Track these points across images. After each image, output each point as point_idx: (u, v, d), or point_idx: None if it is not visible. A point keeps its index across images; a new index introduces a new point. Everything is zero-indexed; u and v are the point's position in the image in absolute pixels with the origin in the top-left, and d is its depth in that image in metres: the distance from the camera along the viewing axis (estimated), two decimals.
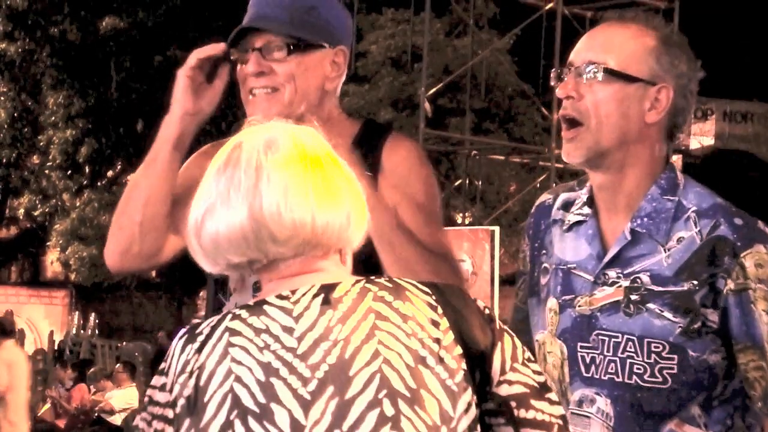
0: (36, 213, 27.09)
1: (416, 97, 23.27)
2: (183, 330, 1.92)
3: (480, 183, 22.52)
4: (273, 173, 1.92)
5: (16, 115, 26.78)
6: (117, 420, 14.50)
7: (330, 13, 2.86)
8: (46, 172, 26.11)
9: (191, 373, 1.84)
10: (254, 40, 2.78)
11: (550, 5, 21.27)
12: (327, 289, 1.91)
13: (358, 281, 1.94)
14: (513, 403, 1.93)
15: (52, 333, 26.73)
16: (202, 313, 11.63)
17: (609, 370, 2.46)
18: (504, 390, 1.93)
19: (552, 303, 2.60)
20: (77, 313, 28.93)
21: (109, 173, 26.27)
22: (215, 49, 2.81)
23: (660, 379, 2.43)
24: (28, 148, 27.15)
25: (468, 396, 1.89)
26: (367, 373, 1.85)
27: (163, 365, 1.89)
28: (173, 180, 2.79)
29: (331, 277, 1.94)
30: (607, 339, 2.48)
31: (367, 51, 29.37)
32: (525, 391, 1.94)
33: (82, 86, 25.39)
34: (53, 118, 25.52)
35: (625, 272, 2.49)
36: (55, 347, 24.91)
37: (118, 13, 24.97)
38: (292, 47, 2.78)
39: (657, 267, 2.46)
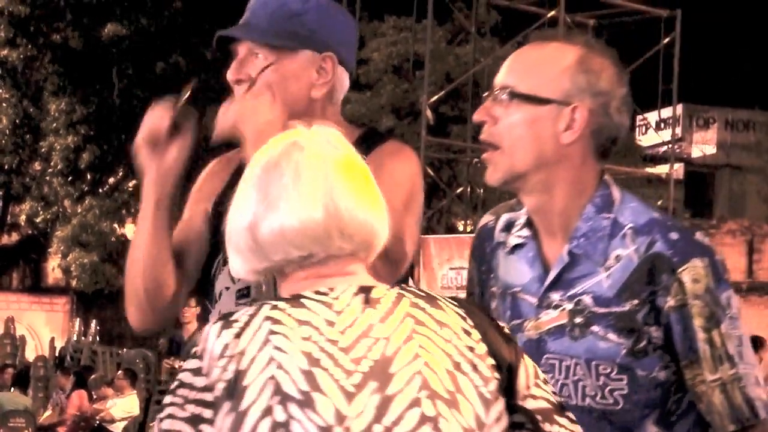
0: (37, 219, 27.10)
1: (418, 105, 23.29)
2: (215, 318, 1.92)
3: (482, 191, 22.53)
4: (341, 173, 1.97)
5: (17, 121, 26.79)
6: (117, 428, 14.49)
7: (317, 19, 2.81)
8: (48, 178, 26.12)
9: (231, 357, 1.83)
10: (237, 48, 2.79)
11: (552, 13, 21.27)
12: (365, 290, 1.95)
13: (392, 288, 1.98)
14: (539, 417, 1.97)
15: (53, 339, 26.72)
16: (193, 324, 11.57)
17: (563, 394, 2.43)
18: (530, 404, 1.97)
19: None
20: (78, 319, 28.90)
21: (111, 180, 26.29)
22: (163, 118, 2.79)
23: (611, 401, 2.42)
24: (29, 155, 27.15)
25: (500, 405, 1.93)
26: (408, 372, 1.87)
27: (195, 349, 1.88)
28: (167, 239, 2.78)
29: (365, 280, 1.98)
30: (557, 363, 2.46)
31: (369, 58, 29.41)
32: (548, 407, 1.99)
33: (83, 93, 25.41)
34: (55, 124, 25.53)
35: (568, 294, 2.47)
36: (56, 354, 24.89)
37: (120, 20, 24.99)
38: (269, 54, 2.76)
39: (598, 288, 2.44)
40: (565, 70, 2.47)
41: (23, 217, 28.25)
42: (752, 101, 39.52)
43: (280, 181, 1.95)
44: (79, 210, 25.61)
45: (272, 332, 1.85)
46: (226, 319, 1.89)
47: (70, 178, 25.61)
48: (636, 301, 2.40)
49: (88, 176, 25.85)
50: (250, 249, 1.96)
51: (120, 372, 16.36)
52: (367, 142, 2.81)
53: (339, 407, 1.82)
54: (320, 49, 2.79)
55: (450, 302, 1.99)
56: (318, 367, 1.84)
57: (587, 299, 2.45)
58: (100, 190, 25.93)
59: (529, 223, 2.57)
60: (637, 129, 34.46)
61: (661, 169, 26.82)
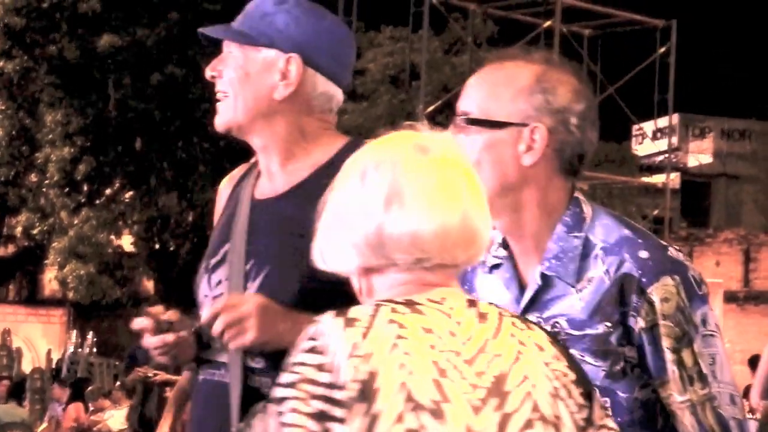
0: (34, 231, 27.07)
1: (415, 115, 23.30)
2: (330, 313, 1.87)
3: None
4: (468, 180, 1.95)
5: (14, 133, 26.78)
6: None
7: (287, 20, 2.80)
8: (44, 190, 26.10)
9: (362, 357, 1.79)
10: (223, 46, 2.83)
11: (548, 23, 21.32)
12: (473, 304, 1.94)
13: (490, 303, 1.98)
14: None
15: (49, 351, 26.68)
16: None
17: None
18: None
19: None
20: (75, 331, 28.86)
21: (108, 191, 26.26)
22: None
23: None
24: (25, 166, 27.14)
25: None
26: (521, 392, 1.86)
27: (311, 343, 1.83)
28: None
29: (466, 294, 1.97)
30: None
31: (366, 69, 29.42)
32: None
33: (80, 104, 25.40)
34: (51, 135, 25.51)
35: (543, 316, 2.44)
36: (53, 366, 24.86)
37: (116, 31, 24.99)
38: (235, 50, 2.78)
39: (571, 310, 2.41)
40: (521, 90, 2.44)
41: (19, 229, 28.22)
42: (748, 111, 39.64)
43: (415, 182, 1.91)
44: (76, 221, 25.58)
45: (400, 336, 1.82)
46: (344, 317, 1.85)
47: (66, 189, 25.59)
48: (609, 324, 2.37)
49: (85, 187, 25.83)
50: (371, 246, 1.92)
51: (117, 383, 16.33)
52: (349, 153, 2.78)
53: (468, 422, 1.81)
54: (286, 50, 2.77)
55: (536, 325, 1.99)
56: (446, 378, 1.82)
57: (563, 322, 2.42)
58: (97, 202, 25.90)
59: (504, 243, 2.55)
60: (633, 139, 34.49)
61: (658, 179, 26.83)
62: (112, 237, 26.20)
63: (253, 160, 2.95)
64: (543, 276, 2.44)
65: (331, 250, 1.97)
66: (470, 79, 2.54)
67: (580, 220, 2.46)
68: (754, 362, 14.35)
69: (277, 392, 1.83)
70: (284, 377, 1.84)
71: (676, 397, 2.37)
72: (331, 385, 1.79)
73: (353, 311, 1.86)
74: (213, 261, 2.81)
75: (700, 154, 39.36)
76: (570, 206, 2.48)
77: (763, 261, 27.13)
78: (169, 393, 8.86)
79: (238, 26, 2.80)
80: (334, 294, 2.67)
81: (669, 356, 2.36)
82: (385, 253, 1.91)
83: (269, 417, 1.86)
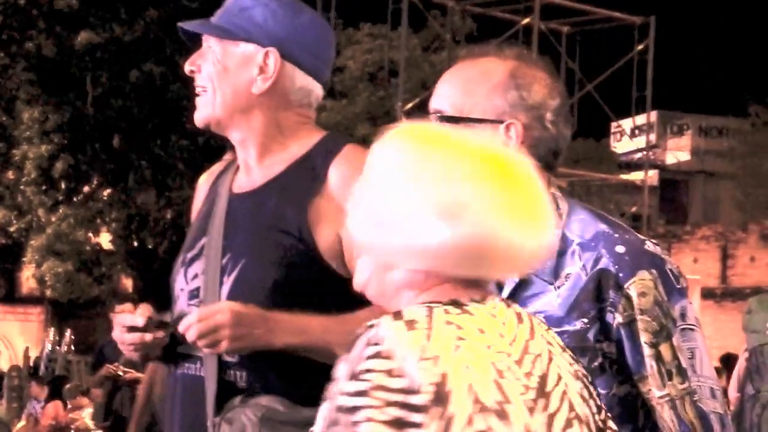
0: (11, 229, 26.97)
1: (393, 112, 23.29)
2: (386, 317, 1.81)
3: None
4: (526, 188, 1.88)
5: None
6: None
7: (265, 14, 2.79)
8: (22, 187, 25.99)
9: (431, 360, 1.76)
10: (203, 40, 2.82)
11: (527, 20, 21.34)
12: (509, 304, 1.91)
13: (514, 304, 1.95)
14: None
15: (27, 349, 26.60)
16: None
17: None
18: None
19: None
20: (53, 329, 28.76)
21: (85, 189, 26.18)
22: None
23: None
24: (2, 164, 27.03)
25: None
26: (558, 393, 1.86)
27: (375, 349, 1.77)
28: None
29: (497, 296, 1.93)
30: None
31: (345, 66, 29.42)
32: None
33: (57, 101, 25.31)
34: (28, 133, 25.42)
35: None
36: (31, 363, 24.77)
37: (94, 28, 24.90)
38: (214, 45, 2.78)
39: (549, 307, 2.40)
40: (496, 87, 2.44)
41: None
42: (726, 108, 39.80)
43: (462, 193, 1.83)
44: (54, 219, 25.50)
45: (459, 338, 1.79)
46: (403, 319, 1.80)
47: (44, 187, 25.50)
48: (586, 320, 2.37)
49: (62, 185, 25.74)
50: (420, 252, 1.84)
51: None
52: (324, 147, 2.78)
53: (526, 422, 1.80)
54: (264, 44, 2.77)
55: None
56: (504, 379, 1.80)
57: (540, 319, 2.43)
58: (75, 199, 25.82)
59: None
60: (611, 136, 34.58)
61: (636, 176, 26.92)
62: (90, 235, 26.13)
63: (231, 156, 2.95)
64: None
65: (378, 241, 1.88)
66: (442, 76, 2.53)
67: (556, 216, 2.42)
68: (726, 361, 14.33)
69: (346, 401, 1.76)
70: (351, 385, 1.77)
71: (655, 392, 2.37)
72: (405, 391, 1.74)
73: (408, 313, 1.81)
74: (190, 255, 2.81)
75: (678, 152, 39.50)
76: None
77: (741, 258, 27.24)
78: (140, 390, 8.86)
79: (216, 21, 2.80)
80: (310, 286, 2.68)
81: (647, 351, 2.36)
82: (432, 261, 1.85)
83: (339, 428, 1.77)
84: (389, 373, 1.75)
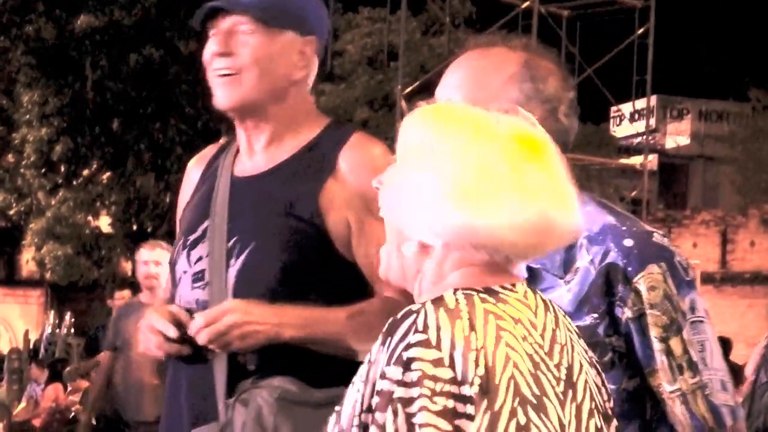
0: (11, 212, 26.95)
1: (392, 96, 23.28)
2: (428, 303, 1.78)
3: None
4: (547, 170, 1.87)
5: None
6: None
7: (303, 2, 2.82)
8: (21, 170, 25.96)
9: (477, 350, 1.74)
10: (221, 21, 2.75)
11: (527, 4, 21.29)
12: (534, 291, 1.90)
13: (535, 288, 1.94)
14: None
15: (27, 332, 26.61)
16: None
17: None
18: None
19: None
20: (52, 312, 28.78)
21: (85, 172, 26.15)
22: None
23: None
24: (2, 147, 27.00)
25: (613, 427, 1.93)
26: (582, 382, 1.85)
27: (421, 336, 1.74)
28: None
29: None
30: None
31: (344, 50, 29.37)
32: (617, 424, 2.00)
33: (57, 85, 25.27)
34: (28, 116, 25.38)
35: None
36: (31, 346, 24.80)
37: (93, 11, 24.85)
38: (257, 29, 2.74)
39: (560, 302, 2.32)
40: (511, 78, 2.41)
41: None
42: (726, 92, 39.73)
43: (498, 175, 1.80)
44: (53, 202, 25.48)
45: (500, 328, 1.78)
46: (446, 307, 1.77)
47: (43, 170, 25.47)
48: (596, 315, 2.35)
49: (62, 168, 25.72)
50: (450, 232, 1.82)
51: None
52: (330, 134, 2.81)
53: (560, 414, 1.79)
54: (303, 33, 2.79)
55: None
56: (540, 371, 1.79)
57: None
58: (74, 183, 25.79)
59: None
60: (611, 120, 34.53)
61: (635, 160, 26.89)
62: (90, 218, 26.11)
63: (224, 140, 2.96)
64: (529, 269, 2.39)
65: (408, 218, 1.86)
66: (451, 66, 2.48)
67: None
68: (722, 345, 14.48)
69: (397, 390, 1.73)
70: (398, 373, 1.74)
71: (666, 386, 2.35)
72: (454, 381, 1.72)
73: (449, 300, 1.79)
74: (191, 237, 2.81)
75: (677, 136, 39.46)
76: None
77: (740, 242, 27.24)
78: (97, 377, 8.89)
79: (256, 2, 2.75)
80: (319, 271, 2.69)
81: (657, 345, 2.33)
82: (462, 242, 1.82)
83: (389, 415, 1.74)
84: (437, 362, 1.73)
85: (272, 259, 2.68)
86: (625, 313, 2.34)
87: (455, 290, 1.81)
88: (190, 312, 2.71)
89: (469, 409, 1.71)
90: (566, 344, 1.86)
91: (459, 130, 1.85)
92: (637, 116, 28.63)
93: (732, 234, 27.43)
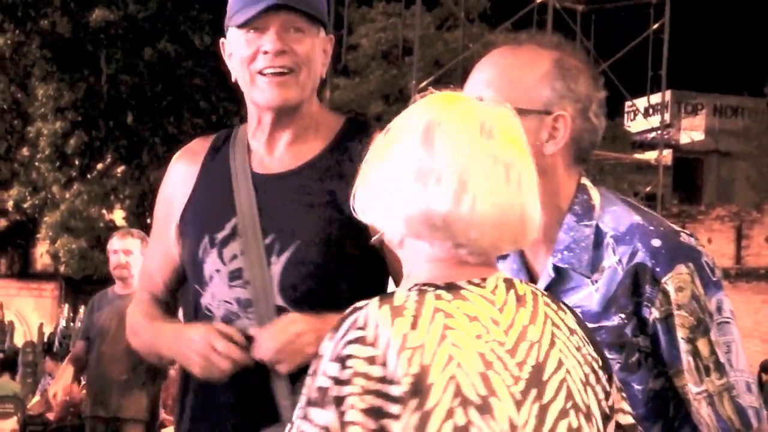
0: (25, 205, 27.03)
1: (407, 91, 23.26)
2: (374, 300, 1.79)
3: None
4: (531, 166, 1.88)
5: (5, 107, 26.72)
6: None
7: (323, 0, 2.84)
8: (36, 164, 26.04)
9: (413, 350, 1.72)
10: (272, 18, 2.72)
11: None
12: (511, 285, 1.87)
13: (522, 281, 1.91)
14: None
15: (41, 325, 26.71)
16: None
17: None
18: (621, 419, 1.95)
19: None
20: (66, 305, 28.90)
21: (99, 165, 26.21)
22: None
23: None
24: (17, 140, 27.08)
25: (613, 423, 1.90)
26: (556, 381, 1.82)
27: (360, 333, 1.75)
28: None
29: (503, 272, 1.90)
30: None
31: (358, 44, 29.36)
32: (633, 422, 1.97)
33: (71, 79, 25.32)
34: (42, 110, 25.45)
35: None
36: (45, 339, 24.88)
37: (108, 5, 24.89)
38: (307, 28, 2.74)
39: (587, 302, 2.35)
40: (545, 76, 2.38)
41: (11, 203, 28.17)
42: (741, 87, 39.58)
43: (480, 171, 1.81)
44: (68, 196, 25.54)
45: (447, 327, 1.75)
46: (391, 305, 1.77)
47: (57, 163, 25.53)
48: (623, 315, 2.32)
49: (76, 162, 25.78)
50: (422, 222, 1.82)
51: None
52: (352, 131, 2.82)
53: (511, 415, 1.76)
54: (327, 30, 2.83)
55: (565, 306, 1.94)
56: (492, 371, 1.76)
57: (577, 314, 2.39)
58: (89, 176, 25.85)
59: None
60: (625, 115, 34.48)
61: (650, 155, 26.84)
62: (104, 211, 26.18)
63: (216, 134, 2.95)
64: (556, 268, 2.38)
65: (379, 211, 1.88)
66: (480, 64, 2.44)
67: (590, 207, 2.40)
68: (764, 369, 14.43)
69: (331, 386, 1.74)
70: (335, 369, 1.75)
71: (692, 387, 2.32)
72: (383, 380, 1.72)
73: (398, 297, 1.79)
74: (220, 235, 2.77)
75: (692, 131, 39.36)
76: (578, 194, 2.42)
77: (755, 238, 27.17)
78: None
79: (307, 2, 2.75)
80: (359, 267, 2.69)
81: (684, 346, 2.31)
82: (440, 234, 1.82)
83: (321, 410, 1.75)
84: (371, 360, 1.73)
85: (317, 256, 2.68)
86: (653, 314, 2.31)
87: (414, 286, 1.82)
88: (229, 320, 2.71)
89: (395, 408, 1.70)
90: (541, 341, 1.83)
91: (433, 118, 1.86)
92: (651, 111, 28.55)
93: (747, 230, 27.36)
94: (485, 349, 1.77)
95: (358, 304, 1.80)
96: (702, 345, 2.31)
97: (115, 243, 7.57)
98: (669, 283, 2.30)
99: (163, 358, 2.90)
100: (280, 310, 2.65)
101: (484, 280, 1.84)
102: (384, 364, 1.72)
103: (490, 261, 1.88)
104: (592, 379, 1.87)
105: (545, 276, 2.40)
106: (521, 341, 1.81)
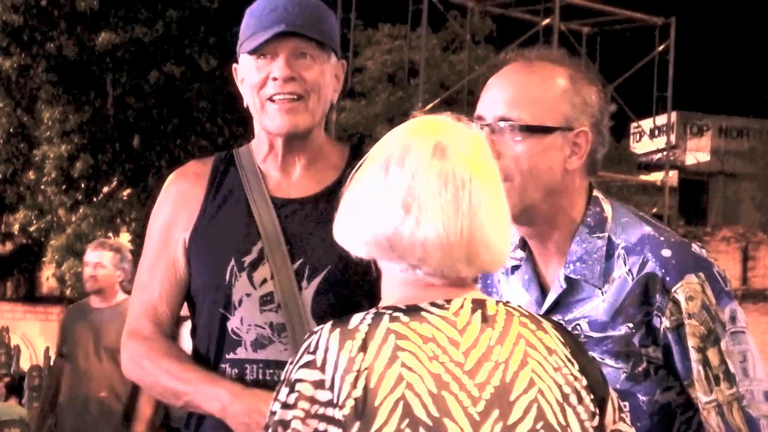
0: (31, 229, 27.02)
1: (413, 113, 23.27)
2: (329, 324, 1.81)
3: None
4: (496, 187, 1.88)
5: (11, 130, 26.73)
6: None
7: (334, 23, 2.84)
8: (42, 187, 26.04)
9: (359, 372, 1.74)
10: (283, 44, 2.73)
11: (547, 21, 21.30)
12: (480, 305, 1.87)
13: (499, 302, 1.90)
14: None
15: (47, 349, 26.63)
16: None
17: None
18: None
19: None
20: None
21: (105, 189, 26.22)
22: None
23: None
24: (23, 164, 27.09)
25: None
26: (525, 401, 1.81)
27: (310, 357, 1.78)
28: None
29: (475, 292, 1.90)
30: None
31: (364, 66, 29.42)
32: None
33: (78, 102, 25.36)
34: (49, 133, 25.46)
35: (566, 318, 2.39)
36: (51, 363, 24.83)
37: (114, 29, 24.94)
38: (316, 54, 2.75)
39: (595, 312, 2.36)
40: (564, 93, 2.39)
41: (17, 227, 28.17)
42: (746, 109, 39.57)
43: (428, 192, 1.83)
44: (74, 219, 25.54)
45: (399, 348, 1.76)
46: (343, 327, 1.79)
47: (64, 187, 25.55)
48: (631, 324, 2.33)
49: (82, 185, 25.79)
50: (380, 245, 1.85)
51: None
52: (358, 159, 2.81)
53: None
54: (338, 56, 2.83)
55: (550, 325, 1.93)
56: (447, 391, 1.76)
57: (584, 324, 2.38)
58: (95, 199, 25.86)
59: (522, 244, 2.50)
60: (631, 136, 34.47)
61: (656, 177, 26.84)
62: (110, 234, 26.17)
63: (213, 157, 2.94)
64: (568, 279, 2.39)
65: (348, 235, 1.91)
66: (495, 81, 2.45)
67: (602, 220, 2.41)
68: None
69: (279, 411, 1.77)
70: (284, 393, 1.78)
71: (702, 397, 2.32)
72: (329, 403, 1.74)
73: (353, 321, 1.80)
74: (248, 259, 2.76)
75: (698, 152, 39.34)
76: (590, 206, 2.43)
77: (761, 259, 27.13)
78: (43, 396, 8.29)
79: (311, 26, 2.74)
80: (375, 288, 2.69)
81: (694, 356, 2.31)
82: (392, 254, 1.85)
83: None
84: (318, 384, 1.75)
85: (348, 281, 2.70)
86: (663, 323, 2.31)
87: (375, 309, 1.84)
88: (260, 344, 2.71)
89: (334, 431, 1.71)
90: (508, 362, 1.82)
91: (397, 142, 1.89)
92: (657, 132, 28.56)
93: (753, 251, 27.32)
94: (440, 370, 1.77)
95: (315, 328, 1.82)
96: (712, 354, 2.31)
97: (88, 255, 7.33)
98: (679, 292, 2.30)
99: (182, 405, 2.78)
100: None
101: (448, 301, 1.85)
102: (331, 388, 1.74)
103: (461, 282, 1.88)
104: (573, 399, 1.85)
105: (556, 286, 2.41)
106: (485, 361, 1.81)
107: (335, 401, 1.73)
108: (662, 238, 2.37)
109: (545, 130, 2.37)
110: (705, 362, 2.31)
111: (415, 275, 1.86)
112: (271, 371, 2.70)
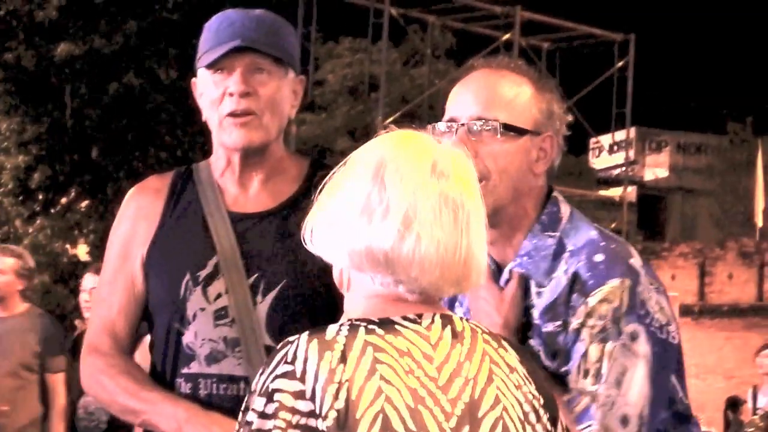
0: None
1: (373, 126, 23.30)
2: (305, 334, 1.80)
3: None
4: (476, 210, 1.88)
5: None
6: None
7: (293, 39, 2.84)
8: None
9: (340, 384, 1.73)
10: (236, 61, 2.73)
11: (507, 36, 21.39)
12: (448, 321, 1.87)
13: (462, 318, 1.91)
14: None
15: None
16: None
17: None
18: None
19: None
20: None
21: (63, 200, 26.08)
22: None
23: None
24: None
25: None
26: (492, 418, 1.81)
27: (288, 368, 1.76)
28: None
29: (442, 309, 1.90)
30: None
31: (324, 80, 29.45)
32: None
33: (35, 112, 25.22)
34: (6, 143, 25.31)
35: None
36: None
37: (73, 39, 24.83)
38: (273, 69, 2.74)
39: (533, 309, 2.42)
40: (531, 98, 2.46)
41: None
42: (704, 125, 39.90)
43: (428, 212, 1.82)
44: (31, 230, 25.39)
45: (378, 361, 1.76)
46: (320, 338, 1.78)
47: (21, 198, 25.40)
48: (558, 323, 2.38)
49: (40, 196, 25.65)
50: (364, 256, 1.84)
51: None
52: (318, 172, 2.79)
53: None
54: (297, 71, 2.82)
55: (507, 343, 1.93)
56: (423, 406, 1.76)
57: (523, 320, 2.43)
58: (52, 211, 25.72)
59: None
60: (590, 152, 34.65)
61: (614, 192, 26.97)
62: (68, 246, 26.02)
63: (173, 172, 2.92)
64: (512, 273, 2.44)
65: (325, 241, 1.90)
66: (466, 85, 2.50)
67: (557, 219, 2.47)
68: (734, 404, 14.64)
69: (256, 421, 1.76)
70: (262, 403, 1.76)
71: (570, 384, 2.35)
72: (310, 414, 1.73)
73: (329, 332, 1.80)
74: (203, 273, 2.75)
75: (656, 168, 39.63)
76: (548, 205, 2.48)
77: (718, 275, 27.31)
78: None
79: (268, 41, 2.74)
80: (334, 304, 2.67)
81: (580, 349, 2.34)
82: (380, 268, 1.84)
83: None
84: (298, 395, 1.74)
85: (303, 295, 2.69)
86: (572, 324, 2.35)
87: (348, 320, 1.83)
88: (214, 359, 2.70)
89: None
90: (477, 378, 1.83)
91: (385, 155, 1.88)
92: (616, 148, 28.72)
93: (710, 266, 27.51)
94: (416, 384, 1.78)
95: (289, 338, 1.81)
96: (594, 349, 2.33)
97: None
98: (596, 295, 2.34)
99: (139, 424, 2.77)
100: (268, 350, 2.62)
101: (420, 316, 1.85)
102: (312, 399, 1.73)
103: (431, 299, 1.88)
104: (532, 417, 1.86)
105: (501, 279, 2.46)
106: (456, 377, 1.81)
107: (317, 412, 1.72)
108: (602, 244, 2.41)
109: (519, 132, 2.42)
110: (584, 355, 2.33)
111: (391, 290, 1.86)
112: (225, 386, 2.69)
